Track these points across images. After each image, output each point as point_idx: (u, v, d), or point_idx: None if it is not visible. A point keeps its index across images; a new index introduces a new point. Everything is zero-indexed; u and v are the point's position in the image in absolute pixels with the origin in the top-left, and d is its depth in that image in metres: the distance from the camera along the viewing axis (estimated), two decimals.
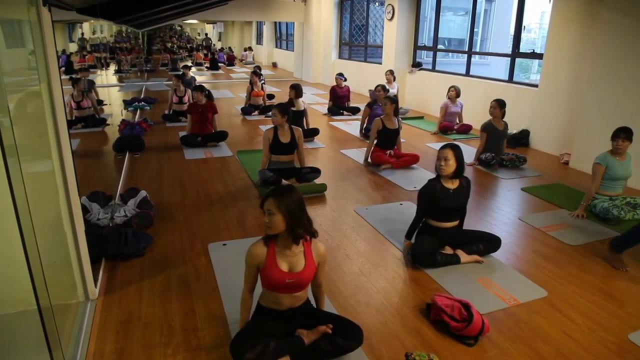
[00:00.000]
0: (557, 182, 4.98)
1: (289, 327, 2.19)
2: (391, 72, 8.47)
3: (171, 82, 9.28)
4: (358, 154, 5.87)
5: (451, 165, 3.09)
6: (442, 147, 3.15)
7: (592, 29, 5.43)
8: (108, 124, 7.25)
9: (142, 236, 3.37)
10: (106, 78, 11.30)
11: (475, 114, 7.32)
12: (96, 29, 9.73)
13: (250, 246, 2.14)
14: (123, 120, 7.18)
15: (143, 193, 4.01)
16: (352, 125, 7.62)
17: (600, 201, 4.00)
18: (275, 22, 19.63)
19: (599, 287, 2.93)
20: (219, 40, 29.69)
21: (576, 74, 5.75)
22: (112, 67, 11.61)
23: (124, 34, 12.54)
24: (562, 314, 2.64)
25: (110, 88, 11.17)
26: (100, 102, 8.36)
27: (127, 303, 2.66)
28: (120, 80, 11.89)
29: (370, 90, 8.52)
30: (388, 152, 5.38)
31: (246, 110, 8.51)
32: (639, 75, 4.73)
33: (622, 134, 3.91)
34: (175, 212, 3.99)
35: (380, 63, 10.37)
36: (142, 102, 9.06)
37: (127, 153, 5.73)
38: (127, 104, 9.08)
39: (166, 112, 8.03)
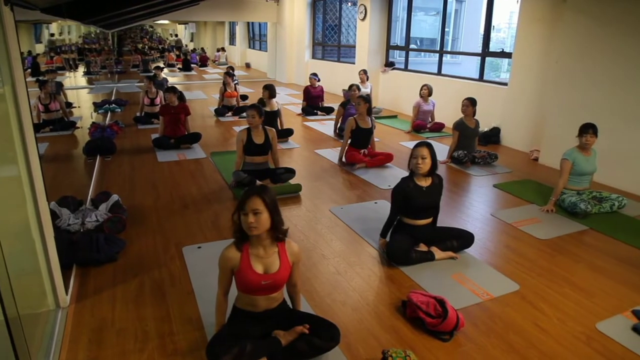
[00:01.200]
0: (528, 178, 5.10)
1: (265, 329, 2.18)
2: (364, 71, 8.52)
3: (143, 84, 9.12)
4: (332, 154, 5.89)
5: (428, 163, 3.13)
6: (418, 146, 3.18)
7: (558, 28, 5.57)
8: (78, 127, 7.09)
9: (115, 241, 3.31)
10: (75, 80, 11.05)
11: (447, 113, 7.44)
12: (64, 30, 9.50)
13: (223, 250, 2.13)
14: (93, 123, 7.02)
15: (115, 197, 3.93)
16: (326, 125, 7.64)
17: (569, 196, 4.12)
18: (248, 23, 19.52)
19: (568, 279, 3.02)
20: (191, 41, 29.31)
21: (544, 73, 5.90)
22: (81, 69, 11.35)
23: (92, 35, 12.27)
24: (534, 307, 2.71)
25: (79, 90, 10.92)
26: (69, 105, 8.16)
27: (99, 310, 2.61)
28: (89, 82, 11.65)
29: (343, 89, 8.56)
30: (362, 151, 5.42)
31: (219, 112, 8.43)
32: (602, 74, 4.89)
33: (590, 130, 4.04)
34: (149, 216, 3.93)
35: (354, 63, 10.42)
36: (113, 105, 8.87)
37: (98, 156, 5.61)
38: (97, 106, 8.87)
39: (138, 114, 7.88)
